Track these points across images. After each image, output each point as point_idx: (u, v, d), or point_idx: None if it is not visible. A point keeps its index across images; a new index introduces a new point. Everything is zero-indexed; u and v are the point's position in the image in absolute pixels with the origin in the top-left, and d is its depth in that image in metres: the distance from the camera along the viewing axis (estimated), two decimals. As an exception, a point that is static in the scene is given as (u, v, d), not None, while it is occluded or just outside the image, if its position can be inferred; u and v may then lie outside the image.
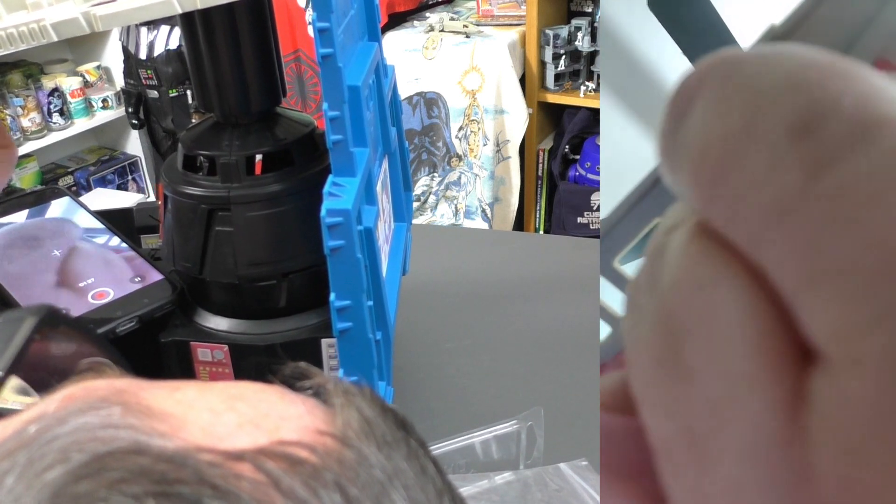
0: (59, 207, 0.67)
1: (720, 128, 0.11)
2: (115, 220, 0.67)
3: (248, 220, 0.57)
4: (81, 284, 0.59)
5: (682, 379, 0.11)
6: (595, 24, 2.13)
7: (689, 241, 0.12)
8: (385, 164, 0.66)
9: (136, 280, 0.60)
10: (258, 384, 0.24)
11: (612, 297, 0.43)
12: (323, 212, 0.49)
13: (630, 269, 0.43)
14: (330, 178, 0.52)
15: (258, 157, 0.58)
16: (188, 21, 0.58)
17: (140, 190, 2.79)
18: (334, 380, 0.24)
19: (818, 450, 0.09)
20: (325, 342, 0.58)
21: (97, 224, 0.66)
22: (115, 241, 0.65)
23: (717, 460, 0.10)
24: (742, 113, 0.11)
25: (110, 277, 0.60)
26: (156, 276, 0.61)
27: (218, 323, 0.60)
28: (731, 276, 0.11)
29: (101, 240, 0.65)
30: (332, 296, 0.51)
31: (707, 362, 0.11)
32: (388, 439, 0.22)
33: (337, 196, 0.50)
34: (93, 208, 0.68)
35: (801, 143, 0.10)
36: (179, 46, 2.17)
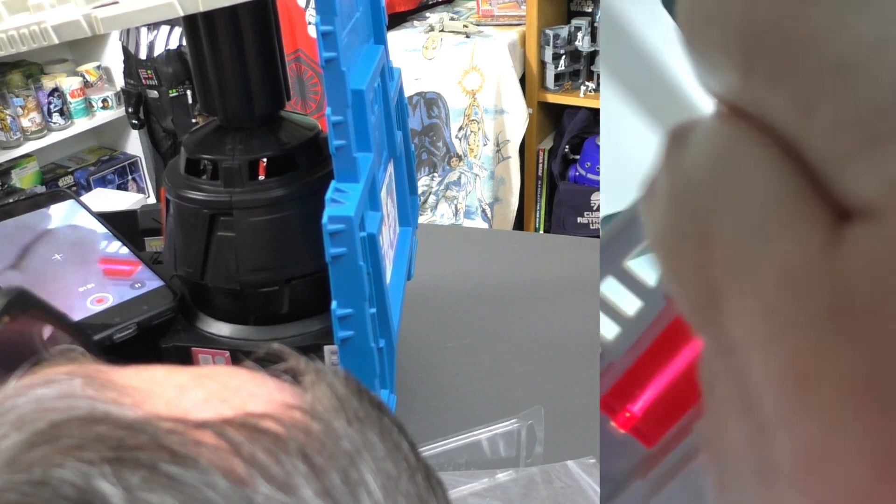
0: (62, 210, 0.67)
1: None
2: (119, 222, 0.67)
3: (251, 224, 0.57)
4: (81, 289, 0.59)
5: (708, 243, 0.12)
6: (595, 24, 2.13)
7: (717, 125, 0.12)
8: (390, 169, 0.65)
9: (137, 286, 0.60)
10: (230, 366, 0.23)
11: (621, 296, 0.43)
12: (325, 219, 0.49)
13: (639, 266, 0.43)
14: (332, 183, 0.51)
15: (262, 161, 0.58)
16: (191, 24, 0.57)
17: (140, 190, 2.79)
18: (306, 360, 0.24)
19: (855, 277, 0.10)
20: (327, 349, 0.57)
21: (100, 228, 0.65)
22: (118, 245, 0.64)
23: (732, 303, 0.11)
24: None
25: (110, 283, 0.60)
26: (156, 282, 0.60)
27: (220, 328, 0.60)
28: (761, 147, 0.12)
29: (104, 244, 0.64)
30: (334, 304, 0.51)
31: (734, 224, 0.12)
32: (361, 416, 0.21)
33: (339, 202, 0.50)
34: (93, 208, 0.68)
35: None
36: (180, 46, 2.16)
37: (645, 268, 0.40)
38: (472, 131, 2.19)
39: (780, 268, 0.11)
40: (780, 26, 0.11)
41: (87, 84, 2.58)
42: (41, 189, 2.56)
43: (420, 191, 2.27)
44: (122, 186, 2.76)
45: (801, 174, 0.11)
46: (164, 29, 2.16)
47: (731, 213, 0.12)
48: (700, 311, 0.12)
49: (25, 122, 2.43)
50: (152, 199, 2.57)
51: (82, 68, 2.61)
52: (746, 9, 0.11)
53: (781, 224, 0.11)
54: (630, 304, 0.42)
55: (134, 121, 2.29)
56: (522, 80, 2.16)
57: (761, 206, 0.11)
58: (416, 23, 2.29)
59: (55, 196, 0.68)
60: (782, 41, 0.11)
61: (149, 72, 2.19)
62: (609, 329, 0.43)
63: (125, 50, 2.25)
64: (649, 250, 0.14)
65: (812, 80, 0.11)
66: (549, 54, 2.12)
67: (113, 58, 2.60)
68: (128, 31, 2.20)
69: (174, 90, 2.20)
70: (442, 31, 2.18)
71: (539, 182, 2.30)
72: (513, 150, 2.18)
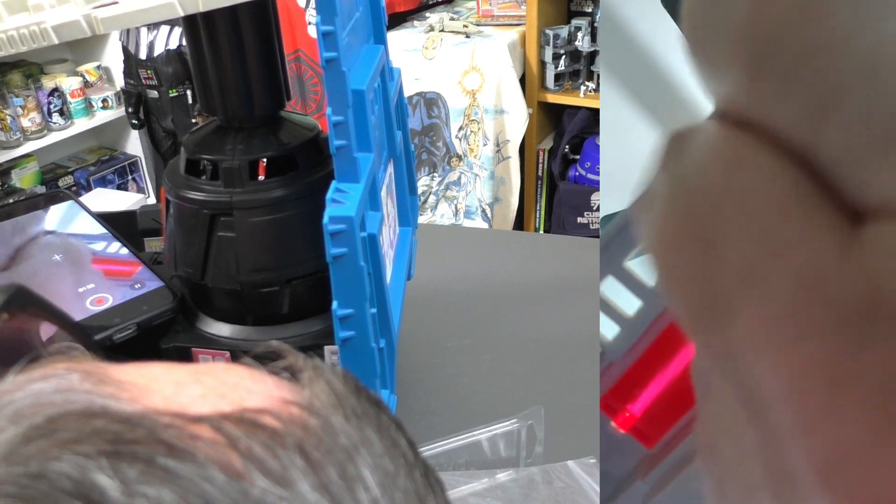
0: (62, 211, 0.67)
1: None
2: (118, 222, 0.67)
3: (251, 225, 0.57)
4: (80, 290, 0.59)
5: (712, 250, 0.12)
6: (595, 24, 2.13)
7: (718, 130, 0.12)
8: (390, 169, 0.65)
9: (136, 287, 0.60)
10: (228, 364, 0.23)
11: (620, 296, 0.43)
12: (325, 219, 0.49)
13: (639, 266, 0.43)
14: (333, 184, 0.51)
15: (262, 161, 0.58)
16: (191, 24, 0.57)
17: (140, 190, 2.79)
18: (304, 357, 0.24)
19: (881, 276, 0.10)
20: (328, 349, 0.57)
21: (100, 228, 0.65)
22: (117, 245, 0.64)
23: (742, 312, 0.11)
24: None
25: (110, 283, 0.60)
26: (156, 282, 0.60)
27: (220, 329, 0.60)
28: (764, 152, 0.11)
29: (103, 245, 0.64)
30: (335, 304, 0.51)
31: (742, 232, 0.11)
32: (358, 412, 0.22)
33: (340, 203, 0.50)
34: (93, 209, 0.68)
35: None
36: (179, 46, 2.16)
37: (645, 268, 0.40)
38: (472, 131, 2.19)
39: (797, 275, 0.11)
40: (793, 29, 0.10)
41: (87, 84, 2.58)
42: (41, 189, 2.56)
43: (420, 191, 2.27)
44: (122, 186, 2.76)
45: (808, 179, 0.11)
46: (164, 29, 2.16)
47: (738, 221, 0.11)
48: (699, 318, 0.12)
49: (25, 122, 2.43)
50: (152, 200, 2.57)
51: (82, 68, 2.61)
52: (755, 9, 0.11)
53: (794, 231, 0.11)
54: (630, 303, 0.42)
55: (134, 121, 2.29)
56: (522, 80, 2.16)
57: (771, 214, 0.11)
58: (416, 23, 2.29)
59: (55, 197, 0.68)
60: (795, 44, 0.10)
61: (149, 72, 2.19)
62: (609, 329, 0.43)
63: (125, 50, 2.25)
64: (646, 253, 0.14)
65: (829, 84, 0.10)
66: (549, 54, 2.12)
67: (113, 58, 2.60)
68: (128, 30, 2.20)
69: (174, 90, 2.20)
70: (442, 31, 2.18)
71: (539, 182, 2.30)
72: (513, 150, 2.18)
